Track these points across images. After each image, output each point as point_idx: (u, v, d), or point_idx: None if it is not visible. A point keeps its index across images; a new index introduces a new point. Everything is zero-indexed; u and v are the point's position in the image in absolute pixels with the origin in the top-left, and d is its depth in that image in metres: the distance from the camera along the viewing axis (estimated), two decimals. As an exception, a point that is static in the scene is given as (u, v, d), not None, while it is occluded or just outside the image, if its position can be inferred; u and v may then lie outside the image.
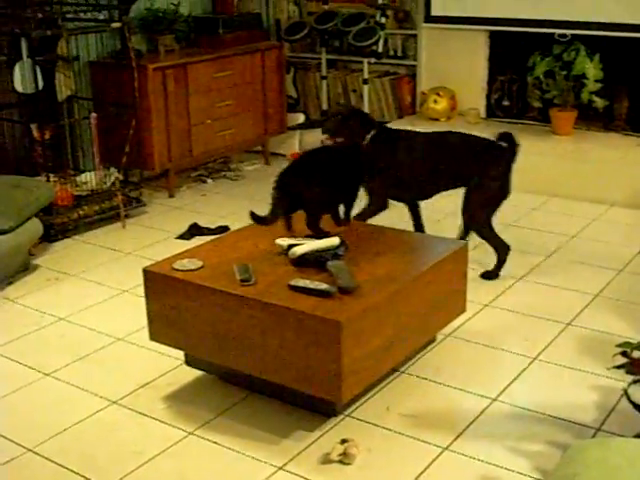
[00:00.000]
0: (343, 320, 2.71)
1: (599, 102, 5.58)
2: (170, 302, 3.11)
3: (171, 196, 5.70)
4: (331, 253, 3.11)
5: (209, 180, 6.10)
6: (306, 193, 3.30)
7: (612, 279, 4.20)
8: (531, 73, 5.74)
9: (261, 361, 2.93)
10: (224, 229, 4.91)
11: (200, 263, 3.15)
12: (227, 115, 5.96)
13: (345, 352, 2.73)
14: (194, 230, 4.96)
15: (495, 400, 3.14)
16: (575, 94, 5.61)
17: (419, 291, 3.12)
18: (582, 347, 3.54)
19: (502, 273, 4.22)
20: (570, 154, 5.50)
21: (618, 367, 2.78)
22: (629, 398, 2.78)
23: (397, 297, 3.00)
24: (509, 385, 3.25)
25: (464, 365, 3.44)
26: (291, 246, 3.14)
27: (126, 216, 5.17)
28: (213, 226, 5.01)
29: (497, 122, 6.12)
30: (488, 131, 5.84)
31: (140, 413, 3.12)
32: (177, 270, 3.10)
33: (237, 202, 5.57)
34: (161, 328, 3.20)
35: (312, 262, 3.09)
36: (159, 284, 3.14)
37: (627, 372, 2.74)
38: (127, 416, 3.11)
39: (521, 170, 5.56)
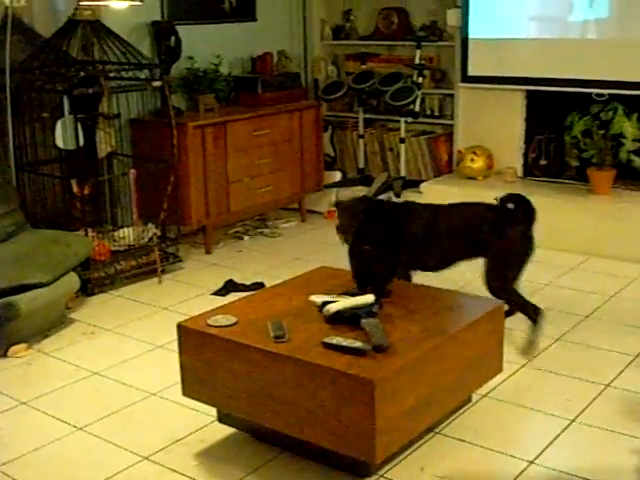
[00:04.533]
0: (376, 379, 2.67)
1: (637, 161, 5.55)
2: (204, 358, 3.10)
3: (208, 252, 5.73)
4: (365, 310, 3.08)
5: (246, 237, 6.12)
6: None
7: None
8: (568, 132, 5.73)
9: (294, 419, 2.90)
10: (260, 285, 4.91)
11: (234, 319, 3.14)
12: (265, 173, 6.01)
13: (379, 411, 2.69)
14: (230, 286, 4.97)
15: (532, 463, 3.07)
16: (613, 153, 5.58)
17: (454, 350, 3.08)
18: (622, 409, 3.46)
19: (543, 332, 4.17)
20: (609, 213, 5.46)
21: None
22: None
23: (431, 356, 2.96)
24: (546, 448, 3.18)
25: (500, 426, 3.38)
26: (325, 303, 3.13)
27: (163, 271, 5.20)
28: (249, 282, 5.01)
29: (534, 181, 6.10)
30: (525, 190, 5.86)
31: (171, 470, 3.09)
32: (211, 326, 3.10)
33: (273, 259, 5.58)
34: (194, 384, 3.18)
35: (346, 319, 3.07)
36: (193, 339, 3.13)
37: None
38: (158, 472, 3.08)
39: (559, 229, 5.56)
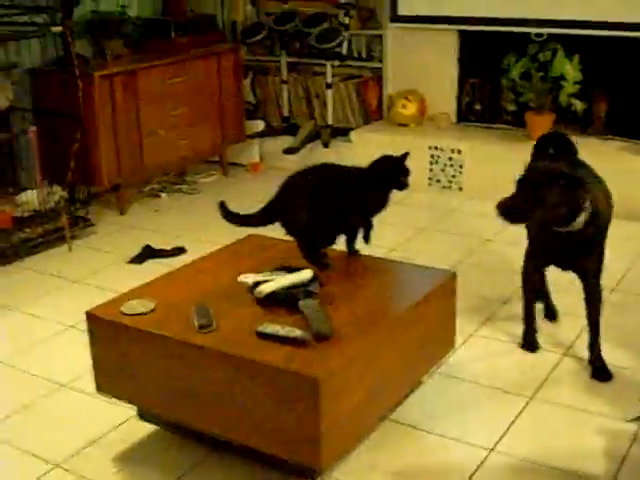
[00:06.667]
0: (321, 376, 2.31)
1: (578, 105, 5.24)
2: (118, 350, 2.70)
3: (122, 213, 5.28)
4: (303, 290, 2.71)
5: (163, 195, 5.68)
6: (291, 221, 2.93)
7: (604, 301, 3.86)
8: (505, 75, 5.40)
9: (224, 420, 2.53)
10: (180, 251, 4.52)
11: (152, 305, 2.74)
12: (181, 124, 5.57)
13: (324, 411, 2.34)
14: (147, 253, 4.54)
15: (492, 450, 2.78)
16: (553, 97, 5.28)
17: (405, 331, 2.74)
18: (582, 382, 3.19)
19: (488, 296, 3.88)
20: (548, 160, 5.17)
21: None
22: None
23: (381, 341, 2.62)
24: (506, 432, 2.88)
25: (455, 407, 3.06)
26: (257, 283, 2.74)
27: (72, 238, 4.75)
28: (168, 247, 4.59)
29: (468, 126, 5.79)
30: (459, 136, 5.56)
31: (88, 479, 2.70)
32: (125, 314, 2.69)
33: (194, 218, 5.17)
34: (109, 379, 2.79)
35: (282, 301, 2.70)
36: (105, 330, 2.72)
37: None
38: (72, 484, 2.70)
39: (494, 178, 5.25)
